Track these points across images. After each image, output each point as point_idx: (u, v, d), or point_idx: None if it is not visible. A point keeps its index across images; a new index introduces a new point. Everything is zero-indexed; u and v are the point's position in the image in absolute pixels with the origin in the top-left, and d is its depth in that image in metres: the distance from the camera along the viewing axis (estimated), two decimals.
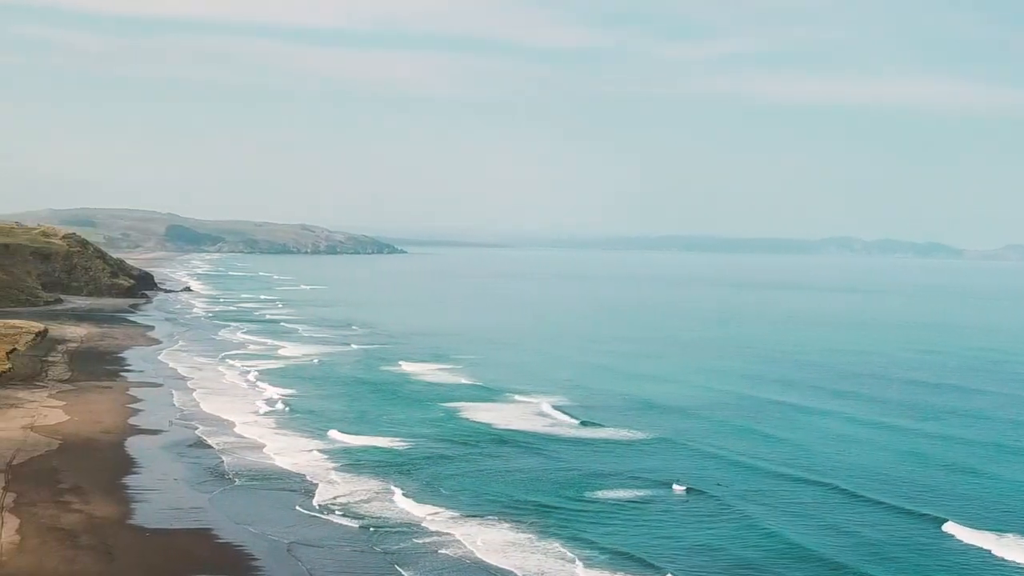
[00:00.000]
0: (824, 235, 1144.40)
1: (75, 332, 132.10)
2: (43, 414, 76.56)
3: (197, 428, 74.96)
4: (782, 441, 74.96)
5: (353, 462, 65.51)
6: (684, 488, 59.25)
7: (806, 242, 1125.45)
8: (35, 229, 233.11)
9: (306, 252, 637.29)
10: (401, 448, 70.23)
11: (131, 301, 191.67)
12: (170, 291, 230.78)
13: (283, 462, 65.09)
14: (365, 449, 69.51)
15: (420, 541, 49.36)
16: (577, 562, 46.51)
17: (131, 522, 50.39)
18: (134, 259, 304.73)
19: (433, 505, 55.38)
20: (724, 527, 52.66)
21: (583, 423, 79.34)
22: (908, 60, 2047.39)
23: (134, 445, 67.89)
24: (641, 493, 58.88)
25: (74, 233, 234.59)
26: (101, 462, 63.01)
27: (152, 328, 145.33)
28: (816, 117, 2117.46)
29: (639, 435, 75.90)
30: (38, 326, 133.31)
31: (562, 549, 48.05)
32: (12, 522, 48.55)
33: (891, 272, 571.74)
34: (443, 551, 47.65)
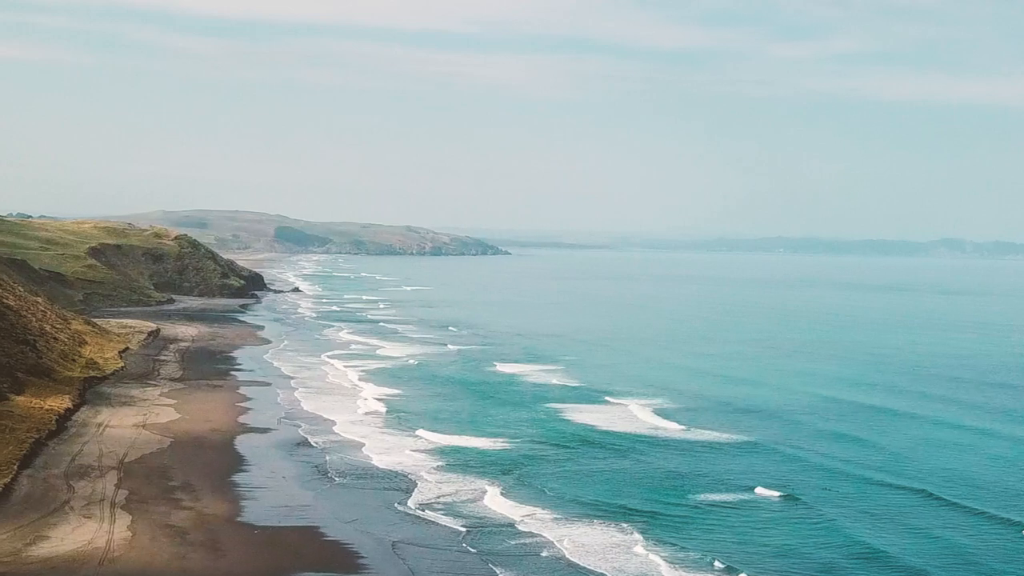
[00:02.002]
0: (934, 236, 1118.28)
1: (186, 332, 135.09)
2: (155, 412, 78.51)
3: (300, 427, 76.33)
4: (877, 446, 74.10)
5: (451, 462, 66.17)
6: (779, 494, 58.85)
7: (915, 243, 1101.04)
8: (147, 230, 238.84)
9: (411, 253, 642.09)
10: (500, 448, 70.71)
11: (241, 301, 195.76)
12: (279, 291, 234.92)
13: (383, 461, 66.01)
14: (463, 449, 70.14)
15: (518, 542, 49.71)
16: (662, 565, 46.62)
17: (240, 519, 51.56)
18: (244, 260, 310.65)
19: (532, 506, 55.76)
20: (813, 532, 52.35)
21: (683, 426, 79.02)
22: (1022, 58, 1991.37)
23: (243, 443, 69.61)
24: (737, 497, 58.66)
25: (186, 234, 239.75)
26: (211, 460, 64.50)
27: (262, 328, 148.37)
28: (926, 116, 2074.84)
29: (737, 438, 75.44)
30: (150, 325, 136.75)
31: (655, 553, 48.11)
32: (124, 519, 49.97)
33: (1003, 274, 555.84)
34: (542, 553, 47.94)
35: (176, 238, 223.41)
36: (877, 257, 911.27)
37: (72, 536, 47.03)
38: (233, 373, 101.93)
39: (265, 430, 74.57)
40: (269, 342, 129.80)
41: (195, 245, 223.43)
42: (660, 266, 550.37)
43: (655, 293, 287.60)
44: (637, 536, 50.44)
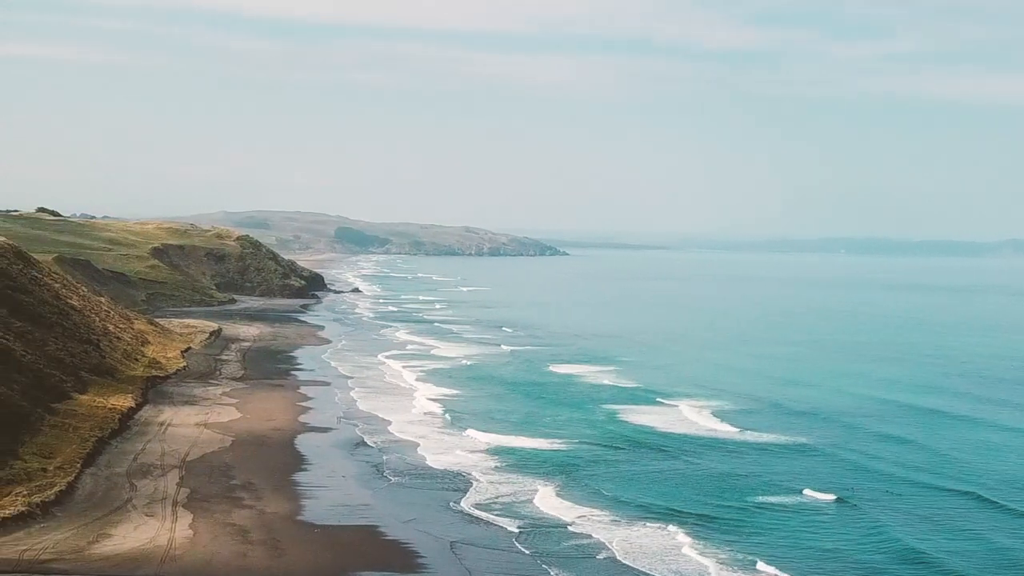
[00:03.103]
0: (1000, 237, 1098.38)
1: (248, 331, 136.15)
2: (216, 411, 79.12)
3: (358, 426, 76.52)
4: (929, 449, 73.37)
5: (506, 462, 66.12)
6: (832, 496, 58.19)
7: (981, 244, 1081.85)
8: (210, 231, 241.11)
9: (469, 254, 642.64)
10: (555, 449, 70.54)
11: (302, 301, 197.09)
12: (339, 292, 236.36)
13: (439, 461, 66.06)
14: (518, 450, 70.07)
15: (573, 543, 49.51)
16: (711, 567, 46.31)
17: (300, 518, 51.76)
18: (305, 260, 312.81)
19: (587, 507, 55.63)
20: (863, 535, 51.68)
21: (738, 428, 78.36)
22: None
23: (303, 442, 70.19)
24: (788, 500, 58.29)
25: (247, 235, 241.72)
26: (272, 459, 64.84)
27: (322, 328, 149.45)
28: (990, 116, 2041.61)
29: (793, 441, 74.81)
30: (212, 325, 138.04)
31: (708, 555, 47.83)
32: (186, 517, 50.29)
33: None
34: (597, 555, 47.72)
35: (238, 239, 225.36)
36: (941, 258, 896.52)
37: (134, 534, 47.43)
38: (293, 373, 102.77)
39: (325, 429, 74.96)
40: (329, 342, 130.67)
41: (256, 246, 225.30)
42: (719, 267, 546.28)
43: (714, 294, 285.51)
44: (689, 538, 50.19)
